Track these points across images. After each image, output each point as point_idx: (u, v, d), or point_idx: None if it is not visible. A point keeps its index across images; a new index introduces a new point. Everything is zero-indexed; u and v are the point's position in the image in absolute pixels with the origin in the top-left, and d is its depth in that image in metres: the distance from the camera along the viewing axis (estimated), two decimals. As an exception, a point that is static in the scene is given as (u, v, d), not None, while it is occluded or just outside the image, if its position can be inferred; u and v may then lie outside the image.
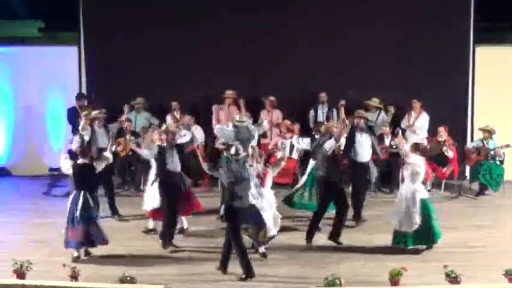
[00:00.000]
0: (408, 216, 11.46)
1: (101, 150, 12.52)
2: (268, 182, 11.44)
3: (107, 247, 11.28)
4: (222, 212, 10.79)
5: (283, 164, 11.81)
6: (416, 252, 11.49)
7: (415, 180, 11.57)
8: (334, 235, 11.98)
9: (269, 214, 11.22)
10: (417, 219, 11.41)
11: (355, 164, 13.23)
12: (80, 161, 11.33)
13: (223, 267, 10.67)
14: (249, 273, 10.40)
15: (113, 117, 14.56)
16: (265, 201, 11.20)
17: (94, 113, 13.76)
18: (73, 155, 12.00)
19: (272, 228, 11.26)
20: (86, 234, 11.09)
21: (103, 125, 13.85)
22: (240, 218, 10.56)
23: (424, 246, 11.59)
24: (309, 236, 12.01)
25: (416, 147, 11.82)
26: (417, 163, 11.56)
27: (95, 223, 11.20)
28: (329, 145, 11.85)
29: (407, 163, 11.65)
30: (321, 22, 16.25)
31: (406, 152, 11.68)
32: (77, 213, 11.07)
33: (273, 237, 11.37)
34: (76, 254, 11.18)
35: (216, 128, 13.38)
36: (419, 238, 11.51)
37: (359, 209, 13.16)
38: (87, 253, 11.37)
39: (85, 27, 16.84)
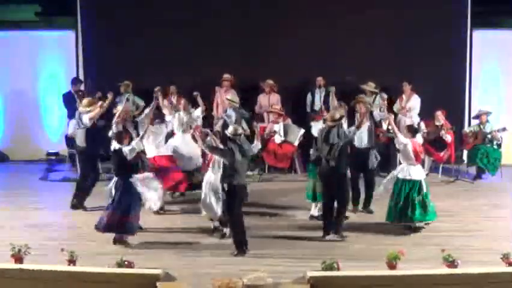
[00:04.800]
0: None
1: None
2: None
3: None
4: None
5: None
6: (415, 230, 11.64)
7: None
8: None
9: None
10: None
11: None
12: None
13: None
14: (239, 251, 10.65)
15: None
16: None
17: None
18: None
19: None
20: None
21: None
22: (238, 194, 10.76)
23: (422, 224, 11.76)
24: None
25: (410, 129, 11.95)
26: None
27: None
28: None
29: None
30: (317, 6, 16.22)
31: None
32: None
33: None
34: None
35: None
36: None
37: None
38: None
39: (82, 11, 16.77)
